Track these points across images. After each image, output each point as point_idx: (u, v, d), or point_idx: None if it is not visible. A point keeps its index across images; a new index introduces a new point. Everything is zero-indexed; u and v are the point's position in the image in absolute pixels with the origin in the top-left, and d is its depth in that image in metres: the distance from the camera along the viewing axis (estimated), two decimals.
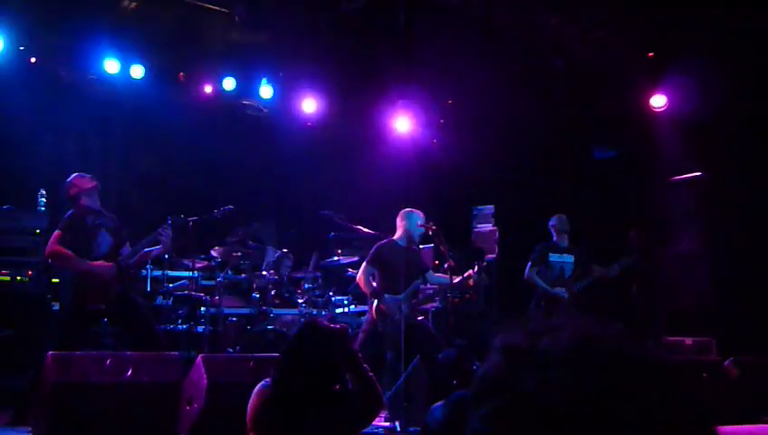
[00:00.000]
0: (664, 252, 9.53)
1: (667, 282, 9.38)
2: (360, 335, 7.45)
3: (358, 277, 7.38)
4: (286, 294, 9.06)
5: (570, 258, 8.56)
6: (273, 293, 8.84)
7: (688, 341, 8.61)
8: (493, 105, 10.49)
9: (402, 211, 7.52)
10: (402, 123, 10.98)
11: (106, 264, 6.44)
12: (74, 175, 6.77)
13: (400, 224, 7.47)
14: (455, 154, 11.17)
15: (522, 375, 0.97)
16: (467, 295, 9.87)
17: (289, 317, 8.91)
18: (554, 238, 8.63)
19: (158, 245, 6.74)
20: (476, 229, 11.19)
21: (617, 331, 1.01)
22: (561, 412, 0.93)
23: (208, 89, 10.21)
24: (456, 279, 7.39)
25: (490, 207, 11.20)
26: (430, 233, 7.62)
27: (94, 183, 6.73)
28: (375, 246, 7.42)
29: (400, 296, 7.21)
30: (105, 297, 6.36)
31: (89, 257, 6.41)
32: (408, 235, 7.42)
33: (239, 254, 8.81)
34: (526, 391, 0.96)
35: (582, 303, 8.50)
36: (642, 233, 10.11)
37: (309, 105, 10.72)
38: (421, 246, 10.02)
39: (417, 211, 7.48)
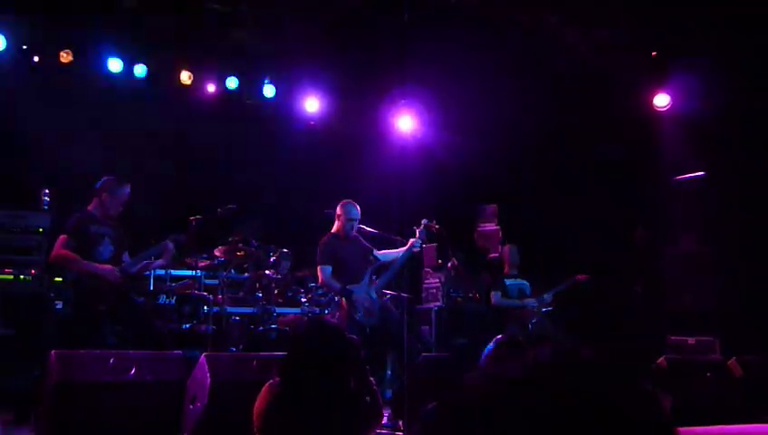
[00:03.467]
0: (668, 251, 9.51)
1: (670, 282, 9.35)
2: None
3: (320, 281, 7.29)
4: (289, 294, 9.05)
5: (524, 282, 9.00)
6: (276, 292, 8.83)
7: (691, 340, 8.60)
8: (496, 104, 10.46)
9: (341, 202, 7.45)
10: (405, 122, 10.97)
11: (111, 267, 6.44)
12: (125, 186, 6.73)
13: (338, 215, 7.39)
14: (458, 153, 11.15)
15: None
16: (471, 294, 9.89)
17: (292, 316, 8.88)
18: (506, 269, 9.12)
19: (160, 257, 6.75)
20: (480, 228, 11.18)
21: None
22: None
23: (212, 88, 10.21)
24: (403, 249, 7.32)
25: (493, 206, 11.19)
26: (434, 232, 7.61)
27: (126, 196, 6.76)
28: (319, 245, 7.32)
29: (361, 285, 7.15)
30: (107, 298, 6.36)
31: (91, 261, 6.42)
32: (343, 227, 7.35)
33: (242, 253, 8.79)
34: None
35: (559, 310, 8.78)
36: (646, 232, 10.11)
37: (312, 105, 10.74)
38: (424, 245, 10.04)
39: (352, 204, 7.41)
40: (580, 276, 8.96)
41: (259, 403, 3.49)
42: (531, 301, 8.81)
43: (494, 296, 8.94)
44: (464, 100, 10.99)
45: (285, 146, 10.78)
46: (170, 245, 6.73)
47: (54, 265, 6.78)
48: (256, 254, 9.01)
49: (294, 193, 11.05)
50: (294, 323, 8.50)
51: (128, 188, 6.75)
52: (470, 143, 10.98)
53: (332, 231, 7.43)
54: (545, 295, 8.84)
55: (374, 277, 7.31)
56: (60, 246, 6.37)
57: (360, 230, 7.46)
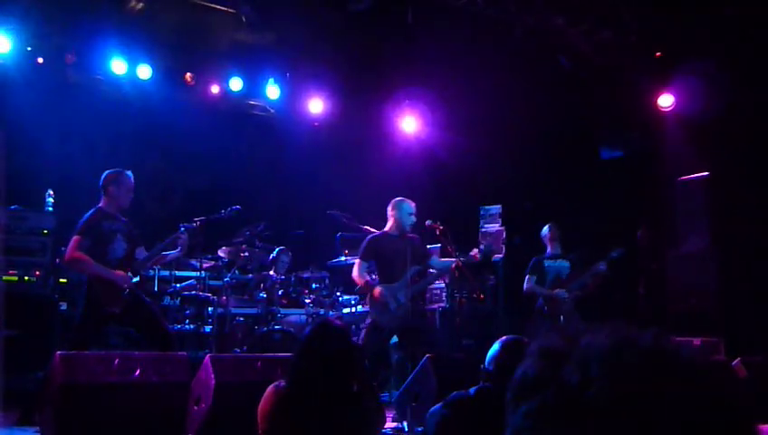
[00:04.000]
0: (672, 252, 9.49)
1: (674, 282, 9.34)
2: (362, 333, 7.45)
3: (353, 275, 7.37)
4: (293, 295, 9.06)
5: (565, 263, 8.71)
6: (280, 293, 8.84)
7: (696, 341, 8.58)
8: (500, 105, 10.48)
9: (393, 201, 7.49)
10: (409, 123, 11.00)
11: (123, 273, 6.43)
12: (127, 172, 6.74)
13: (391, 214, 7.44)
14: (462, 154, 11.17)
15: (564, 372, 0.99)
16: (475, 295, 9.87)
17: (296, 317, 8.89)
18: (548, 249, 8.81)
19: (174, 249, 6.79)
20: (483, 229, 11.18)
21: (654, 332, 1.03)
22: (602, 407, 0.95)
23: (215, 89, 10.24)
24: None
25: (497, 207, 11.18)
26: (437, 232, 7.62)
27: (131, 182, 6.76)
28: (366, 240, 7.40)
29: (395, 285, 7.18)
30: (120, 301, 6.37)
31: (104, 261, 6.40)
32: (398, 224, 7.38)
33: (246, 254, 8.80)
34: (570, 385, 0.97)
35: (583, 302, 8.56)
36: (650, 233, 10.09)
37: (315, 105, 10.76)
38: (428, 246, 10.03)
39: (408, 200, 7.45)
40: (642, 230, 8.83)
41: (263, 405, 3.50)
42: (561, 291, 8.45)
43: (528, 281, 8.63)
44: (468, 100, 11.00)
45: (289, 147, 10.80)
46: (183, 234, 6.75)
47: (69, 267, 6.77)
48: (260, 255, 9.02)
49: (298, 194, 11.07)
50: (300, 326, 8.50)
51: (130, 174, 6.74)
52: (474, 144, 11.02)
53: (385, 229, 7.48)
54: (574, 284, 8.53)
55: (415, 280, 7.36)
56: (73, 247, 6.34)
57: (387, 234, 7.47)
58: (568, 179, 10.80)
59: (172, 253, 6.87)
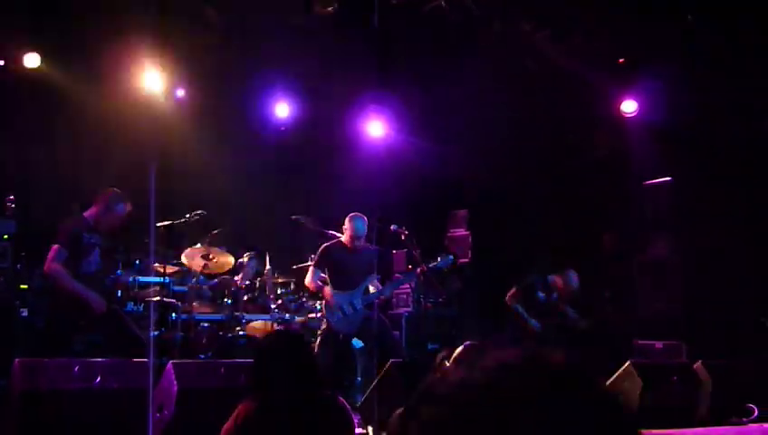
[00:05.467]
0: (638, 257, 9.60)
1: (641, 287, 9.44)
2: (317, 340, 7.57)
3: (306, 281, 7.59)
4: (259, 300, 9.03)
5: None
6: (245, 298, 8.81)
7: (658, 344, 8.70)
8: (467, 109, 10.53)
9: (349, 215, 7.67)
10: (375, 128, 10.99)
11: (100, 299, 6.42)
12: (123, 205, 6.70)
13: (346, 226, 7.65)
14: (429, 158, 11.19)
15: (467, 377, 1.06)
16: (440, 299, 9.91)
17: (261, 323, 8.85)
18: (554, 295, 8.80)
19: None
20: (450, 234, 11.22)
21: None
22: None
23: (180, 93, 10.15)
24: (425, 266, 7.60)
25: (463, 212, 11.23)
26: (402, 238, 7.67)
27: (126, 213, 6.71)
28: (321, 248, 7.62)
29: (349, 292, 7.37)
30: (87, 315, 6.34)
31: (77, 273, 6.39)
32: (351, 238, 7.59)
33: (211, 259, 8.73)
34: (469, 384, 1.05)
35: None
36: (614, 238, 10.20)
37: (282, 109, 10.73)
38: (394, 251, 10.00)
39: (362, 216, 7.63)
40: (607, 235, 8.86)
41: (228, 424, 3.43)
42: (535, 322, 8.60)
43: (516, 304, 8.68)
44: (434, 105, 11.04)
45: (255, 151, 10.75)
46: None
47: (47, 276, 6.71)
48: (225, 260, 8.96)
49: (264, 199, 10.96)
50: (263, 332, 8.47)
51: (126, 207, 6.70)
52: (441, 148, 11.06)
53: (341, 239, 7.65)
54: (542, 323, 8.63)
55: (368, 289, 7.52)
56: (52, 258, 6.31)
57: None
58: (533, 184, 10.87)
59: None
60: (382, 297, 8.09)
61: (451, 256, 7.93)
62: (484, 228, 10.88)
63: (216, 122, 10.51)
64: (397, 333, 9.76)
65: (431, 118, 11.21)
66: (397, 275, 8.14)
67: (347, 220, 7.66)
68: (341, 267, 7.56)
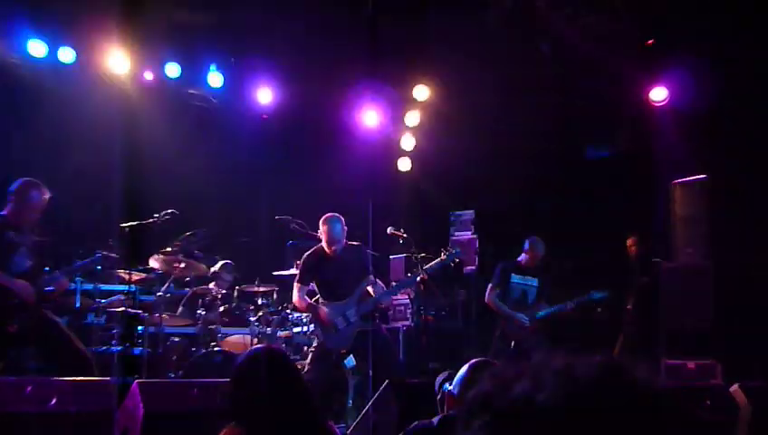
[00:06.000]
0: (665, 265, 9.57)
1: (668, 298, 9.42)
2: (309, 358, 7.56)
3: (294, 300, 7.63)
4: (237, 312, 9.00)
5: (533, 281, 8.94)
6: (221, 309, 8.80)
7: (690, 364, 8.66)
8: (472, 99, 10.52)
9: (323, 217, 7.70)
10: (370, 118, 10.96)
11: (27, 284, 6.42)
12: (38, 192, 6.69)
13: (321, 230, 7.67)
14: (430, 153, 11.21)
15: (516, 385, 1.13)
16: (444, 312, 9.91)
17: (239, 337, 8.83)
18: (521, 258, 9.01)
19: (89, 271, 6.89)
20: (454, 237, 11.22)
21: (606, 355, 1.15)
22: (553, 413, 1.09)
23: (149, 76, 10.13)
24: (425, 274, 7.59)
25: (469, 213, 11.23)
26: (400, 241, 7.66)
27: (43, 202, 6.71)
28: (302, 260, 7.66)
29: (342, 303, 7.32)
30: (17, 317, 6.30)
31: (7, 273, 6.41)
32: (327, 242, 7.59)
33: (183, 265, 8.73)
34: (522, 395, 1.12)
35: (545, 331, 8.79)
36: (639, 243, 10.18)
37: (264, 96, 10.70)
38: (391, 257, 9.98)
39: (338, 216, 7.66)
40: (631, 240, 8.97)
41: None
42: (522, 316, 8.72)
43: (490, 294, 8.89)
44: (436, 94, 11.02)
45: (234, 143, 10.74)
46: (98, 261, 6.91)
47: None
48: (199, 266, 8.95)
49: (244, 197, 11.02)
50: (241, 346, 8.45)
51: (44, 194, 6.71)
52: (444, 142, 11.08)
53: (320, 245, 7.66)
54: (540, 313, 8.80)
55: (364, 296, 7.50)
56: None
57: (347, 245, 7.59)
58: (549, 182, 10.89)
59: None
60: (382, 305, 8.06)
61: (457, 250, 7.91)
62: (492, 231, 10.88)
63: (188, 110, 10.48)
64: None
65: (432, 108, 11.19)
66: (394, 280, 8.07)
67: (321, 223, 7.69)
68: (327, 277, 7.56)
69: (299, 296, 7.57)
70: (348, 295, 7.38)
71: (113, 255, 6.86)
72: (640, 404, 1.10)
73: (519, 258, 9.02)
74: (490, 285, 8.91)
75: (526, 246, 9.00)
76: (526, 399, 1.10)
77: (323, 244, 7.65)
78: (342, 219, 7.67)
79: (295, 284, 7.62)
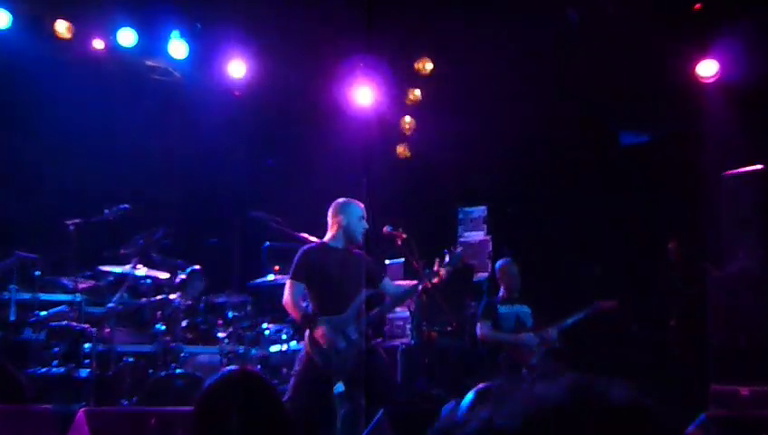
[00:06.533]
0: (714, 272, 9.56)
1: (718, 312, 9.41)
2: (292, 381, 7.47)
3: (284, 300, 7.35)
4: (203, 326, 8.99)
5: (524, 308, 9.15)
6: (185, 324, 8.79)
7: (744, 391, 8.66)
8: (486, 75, 10.53)
9: (335, 203, 7.53)
10: (363, 96, 10.95)
11: None
12: None
13: (334, 220, 7.48)
14: (435, 138, 11.21)
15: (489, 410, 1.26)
16: (450, 327, 9.90)
17: (206, 357, 8.85)
18: (501, 291, 9.27)
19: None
20: (463, 239, 11.25)
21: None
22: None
23: (99, 44, 10.13)
24: (429, 282, 7.49)
25: (481, 210, 11.25)
26: (399, 243, 7.62)
27: None
28: (300, 253, 7.41)
29: (342, 316, 7.20)
30: None
31: None
32: (346, 233, 7.42)
33: (139, 270, 8.72)
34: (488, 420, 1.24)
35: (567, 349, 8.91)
36: (683, 246, 10.17)
37: (236, 69, 10.69)
38: (387, 261, 9.97)
39: (357, 202, 7.51)
40: (605, 303, 9.01)
41: None
42: (529, 336, 8.85)
43: (482, 328, 9.04)
44: (443, 69, 11.01)
45: (200, 125, 10.68)
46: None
47: None
48: (158, 272, 8.95)
49: (212, 189, 11.03)
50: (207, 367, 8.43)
51: None
52: (451, 125, 11.05)
53: (324, 239, 7.53)
54: (550, 329, 8.88)
55: (364, 310, 7.36)
56: None
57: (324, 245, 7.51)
58: (576, 173, 10.89)
59: None
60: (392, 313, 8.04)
61: (459, 250, 7.89)
62: (508, 232, 10.87)
63: (146, 86, 10.45)
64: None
65: (439, 85, 11.22)
66: (398, 283, 8.03)
67: (334, 210, 7.51)
68: (328, 281, 7.35)
69: (292, 298, 7.25)
70: (345, 308, 7.26)
71: (32, 256, 6.79)
72: (604, 429, 1.18)
73: (500, 292, 9.29)
74: (479, 323, 9.09)
75: (498, 268, 9.29)
76: (487, 421, 1.22)
77: (332, 236, 7.49)
78: (362, 208, 7.53)
79: (288, 281, 7.36)
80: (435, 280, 7.47)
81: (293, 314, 7.39)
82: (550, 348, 8.92)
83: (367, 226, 7.44)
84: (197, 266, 9.17)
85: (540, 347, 8.86)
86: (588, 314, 9.00)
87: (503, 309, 9.11)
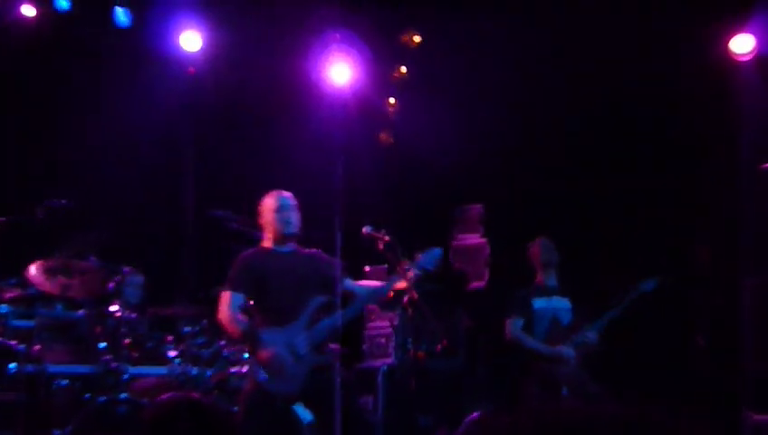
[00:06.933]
0: (749, 281, 9.54)
1: (752, 328, 9.37)
2: (239, 408, 7.44)
3: (219, 314, 7.41)
4: (150, 344, 8.95)
5: (563, 303, 8.94)
6: (129, 340, 8.69)
7: None
8: (483, 49, 10.58)
9: (268, 195, 7.62)
10: (339, 74, 10.87)
11: None
12: None
13: (267, 215, 7.58)
14: (423, 124, 11.13)
15: None
16: (439, 345, 9.81)
17: (154, 380, 8.81)
18: (538, 278, 9.07)
19: None
20: (457, 242, 11.24)
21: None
22: None
23: (29, 11, 10.11)
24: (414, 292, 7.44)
25: (477, 208, 11.31)
26: (381, 246, 7.54)
27: None
28: (237, 260, 7.52)
29: (288, 328, 7.22)
30: None
31: None
32: (275, 233, 7.53)
33: (75, 277, 8.61)
34: None
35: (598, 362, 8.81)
36: (711, 250, 10.13)
37: (190, 41, 10.64)
38: (368, 267, 9.90)
39: (274, 193, 7.61)
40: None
41: None
42: (565, 349, 8.63)
43: (512, 325, 8.83)
44: (434, 41, 10.97)
45: (148, 105, 10.56)
46: None
47: None
48: (97, 279, 8.78)
49: (162, 183, 11.01)
50: (156, 391, 8.29)
51: None
52: (443, 109, 11.02)
53: (263, 244, 7.63)
54: (588, 332, 8.70)
55: (315, 320, 7.37)
56: None
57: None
58: (586, 167, 10.88)
59: None
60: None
61: (437, 250, 7.78)
62: (508, 234, 10.81)
63: (84, 59, 10.45)
64: (369, 398, 9.66)
65: (428, 61, 11.23)
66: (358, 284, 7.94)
67: (263, 206, 7.59)
68: (270, 289, 7.38)
69: (230, 311, 7.29)
70: (293, 319, 7.27)
71: None
72: None
73: (537, 279, 9.12)
74: (509, 319, 8.87)
75: (534, 252, 9.14)
76: None
77: (268, 235, 7.58)
78: (295, 201, 7.60)
79: (223, 293, 7.40)
80: (400, 284, 7.44)
81: (231, 329, 7.38)
82: (587, 355, 8.75)
83: (292, 215, 7.50)
84: (131, 267, 9.09)
85: (575, 361, 8.68)
86: (632, 299, 8.78)
87: (538, 303, 8.90)
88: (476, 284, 10.72)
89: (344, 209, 7.43)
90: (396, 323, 9.60)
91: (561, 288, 9.01)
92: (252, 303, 7.32)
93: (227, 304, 7.28)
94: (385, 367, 9.87)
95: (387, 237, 7.54)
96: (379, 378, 9.77)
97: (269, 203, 7.51)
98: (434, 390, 9.58)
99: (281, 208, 7.45)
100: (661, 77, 10.48)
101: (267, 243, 7.57)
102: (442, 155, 11.10)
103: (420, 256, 7.52)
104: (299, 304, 7.30)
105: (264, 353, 7.10)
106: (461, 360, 10.18)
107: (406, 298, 7.59)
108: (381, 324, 10.15)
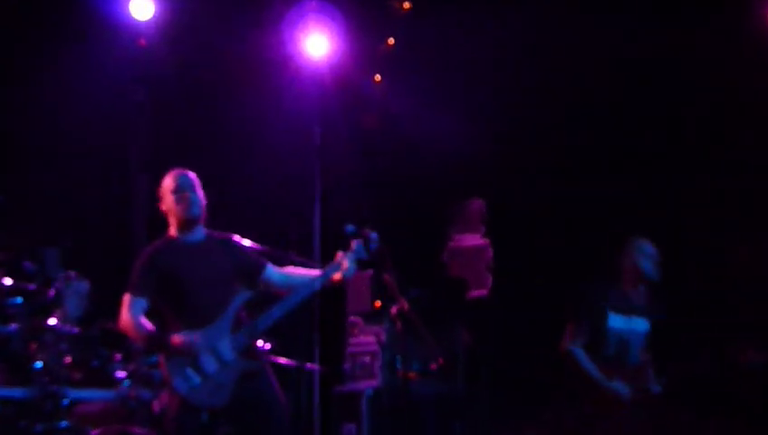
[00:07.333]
0: None
1: None
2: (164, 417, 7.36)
3: (120, 320, 7.28)
4: (96, 363, 8.76)
5: (643, 325, 8.46)
6: (70, 359, 8.59)
7: None
8: (481, 21, 10.66)
9: (168, 174, 7.46)
10: (316, 46, 10.89)
11: None
12: None
13: (165, 203, 7.41)
14: (411, 104, 11.19)
15: None
16: (433, 364, 9.80)
17: (100, 405, 8.70)
18: (625, 284, 8.54)
19: None
20: (454, 243, 11.31)
21: None
22: None
23: None
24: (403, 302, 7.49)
25: (477, 204, 11.31)
26: (368, 248, 7.47)
27: None
28: (139, 257, 7.39)
29: (208, 330, 7.07)
30: None
31: None
32: (177, 220, 7.35)
33: (9, 284, 8.50)
34: None
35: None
36: (756, 256, 10.11)
37: (141, 8, 10.61)
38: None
39: (173, 173, 7.41)
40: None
41: None
42: (621, 385, 8.20)
43: (575, 347, 8.27)
44: (424, 9, 10.93)
45: (93, 82, 10.52)
46: None
47: None
48: (34, 286, 8.66)
49: (109, 176, 10.98)
50: (101, 419, 8.28)
51: None
52: (435, 88, 11.10)
53: (169, 234, 7.45)
54: (653, 379, 8.32)
55: (241, 320, 7.25)
56: None
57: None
58: (600, 158, 10.93)
59: None
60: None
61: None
62: (514, 235, 10.89)
63: (24, 25, 10.44)
64: (351, 426, 9.54)
65: (418, 31, 11.27)
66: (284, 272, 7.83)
67: (163, 186, 7.39)
68: (180, 286, 7.22)
69: (130, 317, 7.13)
70: (213, 319, 7.10)
71: None
72: None
73: (622, 286, 8.58)
74: (571, 338, 8.35)
75: (633, 251, 8.48)
76: None
77: (172, 227, 7.41)
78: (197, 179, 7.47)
79: (125, 296, 7.24)
80: (336, 275, 7.30)
81: (134, 336, 7.25)
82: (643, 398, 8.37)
83: (195, 195, 7.32)
84: (74, 272, 8.97)
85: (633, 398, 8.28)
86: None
87: (614, 321, 8.35)
88: (477, 292, 10.74)
89: (322, 204, 7.35)
90: (383, 338, 9.51)
91: (646, 307, 8.46)
92: (162, 305, 7.22)
93: (127, 308, 7.15)
94: (370, 390, 9.83)
95: (372, 237, 7.44)
96: (363, 403, 9.74)
97: (167, 184, 7.32)
98: (427, 417, 9.69)
99: (179, 188, 7.24)
100: (696, 61, 10.58)
101: (172, 231, 7.38)
102: (435, 141, 11.13)
103: (354, 243, 7.42)
104: (219, 303, 7.15)
105: (180, 360, 6.94)
106: (459, 381, 10.16)
107: (394, 309, 7.57)
108: (366, 340, 10.14)
